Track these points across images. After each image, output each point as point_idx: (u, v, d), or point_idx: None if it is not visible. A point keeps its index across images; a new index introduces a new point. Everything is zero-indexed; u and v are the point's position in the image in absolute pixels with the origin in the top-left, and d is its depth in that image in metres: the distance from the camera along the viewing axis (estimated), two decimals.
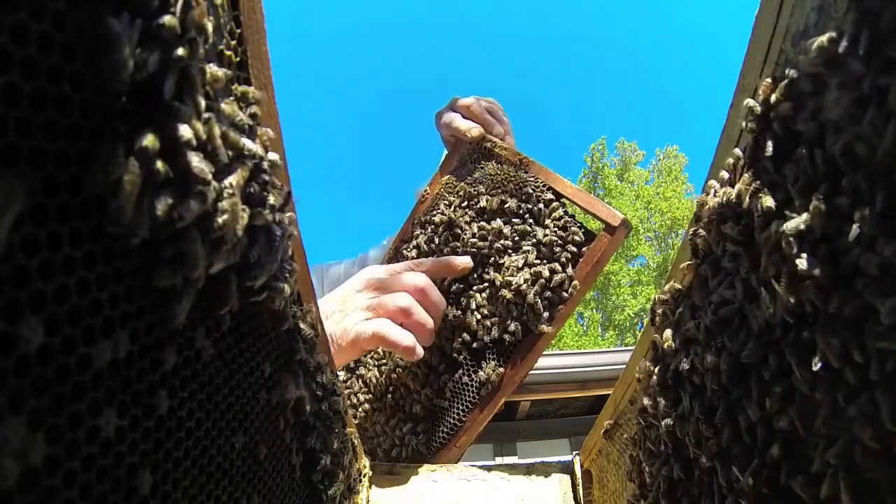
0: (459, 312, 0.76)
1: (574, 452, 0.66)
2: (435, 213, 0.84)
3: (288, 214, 0.31)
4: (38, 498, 0.16)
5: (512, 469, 0.67)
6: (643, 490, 0.42)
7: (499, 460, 3.44)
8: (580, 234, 0.71)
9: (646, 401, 0.42)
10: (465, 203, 0.81)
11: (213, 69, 0.24)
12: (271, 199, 0.29)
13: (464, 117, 0.89)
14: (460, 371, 0.74)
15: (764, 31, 0.30)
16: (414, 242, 0.86)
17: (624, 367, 0.49)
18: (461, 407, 0.74)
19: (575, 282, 0.69)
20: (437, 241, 0.82)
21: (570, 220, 0.72)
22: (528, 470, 0.67)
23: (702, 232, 0.35)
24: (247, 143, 0.26)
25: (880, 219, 0.21)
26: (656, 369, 0.39)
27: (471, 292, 0.76)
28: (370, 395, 0.82)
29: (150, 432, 0.22)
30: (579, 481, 0.64)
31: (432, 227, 0.84)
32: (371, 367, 0.83)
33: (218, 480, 0.28)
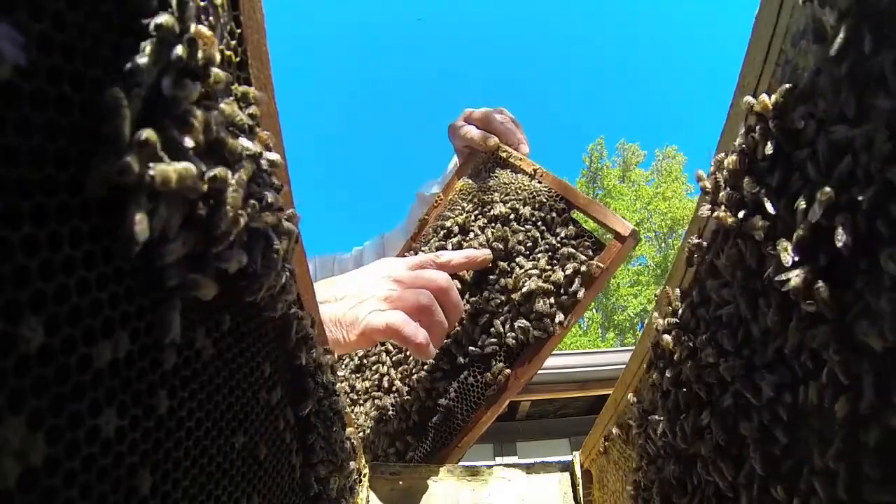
0: (468, 314, 0.77)
1: (574, 452, 0.66)
2: (448, 218, 0.87)
3: (289, 211, 0.31)
4: (38, 498, 0.16)
5: (512, 469, 0.67)
6: (642, 491, 0.42)
7: (499, 460, 3.44)
8: (590, 242, 0.73)
9: (645, 402, 0.42)
10: (479, 210, 0.83)
11: (215, 71, 0.24)
12: (271, 199, 0.29)
13: (478, 129, 0.90)
14: (466, 372, 0.75)
15: (764, 31, 0.30)
16: (426, 246, 0.87)
17: (624, 367, 0.49)
18: (465, 407, 0.74)
19: (583, 289, 0.70)
20: (449, 245, 0.83)
21: (580, 229, 0.74)
22: (528, 470, 0.67)
23: (698, 239, 0.35)
24: (246, 143, 0.26)
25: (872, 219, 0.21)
26: (656, 371, 0.39)
27: (480, 294, 0.77)
28: (372, 394, 0.83)
29: (149, 432, 0.22)
30: (579, 481, 0.64)
31: (444, 231, 0.86)
32: (375, 366, 0.84)
33: (218, 480, 0.28)
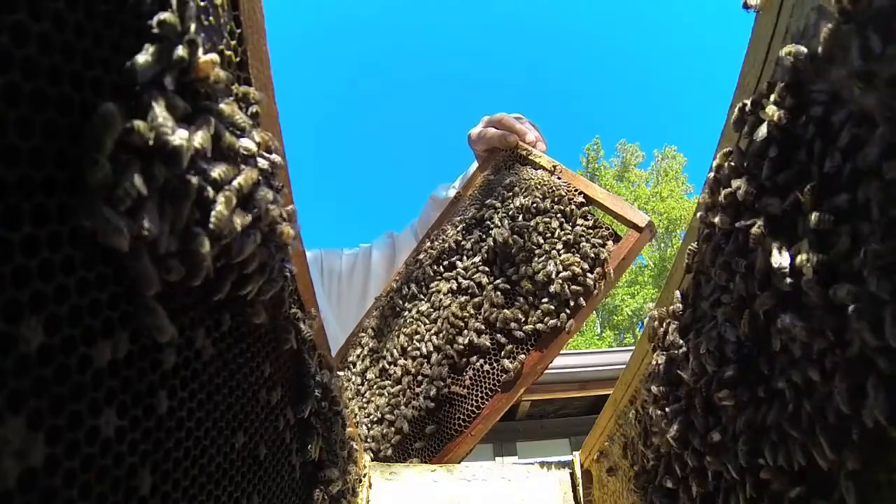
0: (484, 301, 0.78)
1: (574, 452, 0.66)
2: (469, 211, 0.89)
3: (288, 208, 0.31)
4: (38, 498, 0.16)
5: (512, 469, 0.67)
6: (642, 486, 0.42)
7: (499, 460, 3.44)
8: (608, 233, 0.74)
9: (647, 401, 0.42)
10: (500, 203, 0.85)
11: (216, 71, 0.24)
12: (270, 199, 0.29)
13: (497, 129, 0.95)
14: (482, 360, 0.76)
15: (764, 31, 0.30)
16: (443, 237, 0.90)
17: (624, 367, 0.49)
18: (480, 394, 0.75)
19: (600, 275, 0.72)
20: (469, 236, 0.85)
21: (598, 221, 0.76)
22: (528, 470, 0.67)
23: (696, 245, 0.35)
24: (246, 143, 0.26)
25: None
26: (658, 369, 0.39)
27: (498, 282, 0.78)
28: (385, 383, 0.83)
29: (149, 432, 0.22)
30: (579, 481, 0.64)
31: (464, 224, 0.88)
32: (389, 354, 0.84)
33: (218, 480, 0.28)
